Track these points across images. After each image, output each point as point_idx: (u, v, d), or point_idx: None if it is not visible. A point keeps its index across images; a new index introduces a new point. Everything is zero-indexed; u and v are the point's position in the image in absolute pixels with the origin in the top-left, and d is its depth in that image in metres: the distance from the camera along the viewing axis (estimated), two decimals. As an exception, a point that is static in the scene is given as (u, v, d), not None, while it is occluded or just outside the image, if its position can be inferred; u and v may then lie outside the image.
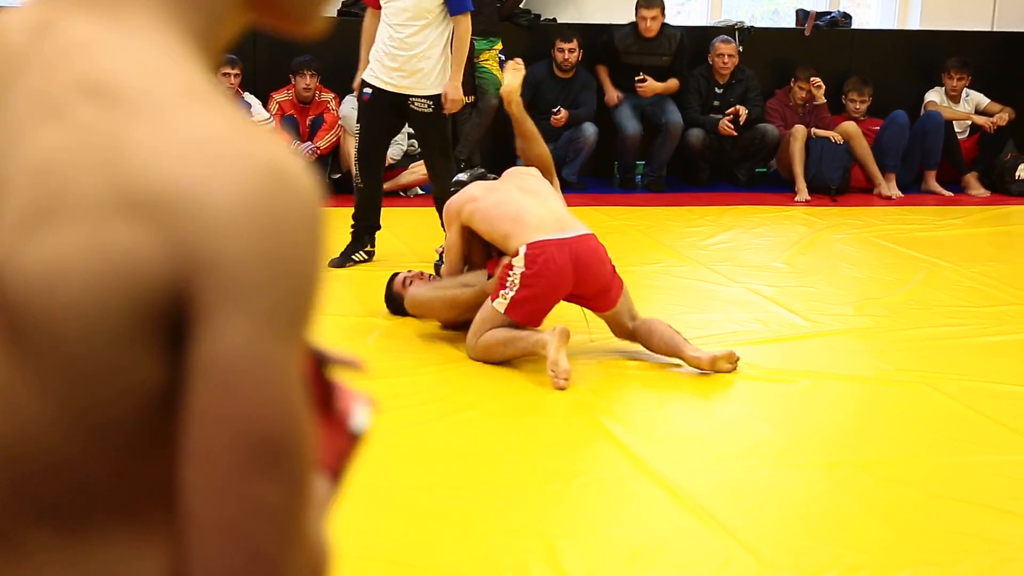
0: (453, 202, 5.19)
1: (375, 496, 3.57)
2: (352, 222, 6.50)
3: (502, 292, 4.80)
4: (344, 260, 6.42)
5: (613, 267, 4.98)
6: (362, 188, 6.45)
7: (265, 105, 8.51)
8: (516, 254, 4.79)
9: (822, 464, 3.95)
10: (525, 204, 4.98)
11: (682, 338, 4.89)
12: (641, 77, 9.12)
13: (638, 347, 5.04)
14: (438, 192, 6.32)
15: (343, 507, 3.45)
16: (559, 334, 4.61)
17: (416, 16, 6.20)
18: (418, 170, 8.27)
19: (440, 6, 6.22)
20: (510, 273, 4.78)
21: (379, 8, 6.28)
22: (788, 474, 3.87)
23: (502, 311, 4.78)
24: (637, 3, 9.20)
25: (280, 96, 8.53)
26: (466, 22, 6.27)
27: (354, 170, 6.51)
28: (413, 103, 6.26)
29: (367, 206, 6.48)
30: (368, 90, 6.33)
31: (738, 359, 4.81)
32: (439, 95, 6.23)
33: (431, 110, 6.25)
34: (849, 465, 3.93)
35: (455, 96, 6.22)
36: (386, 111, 6.34)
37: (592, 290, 4.91)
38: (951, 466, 3.97)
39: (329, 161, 8.47)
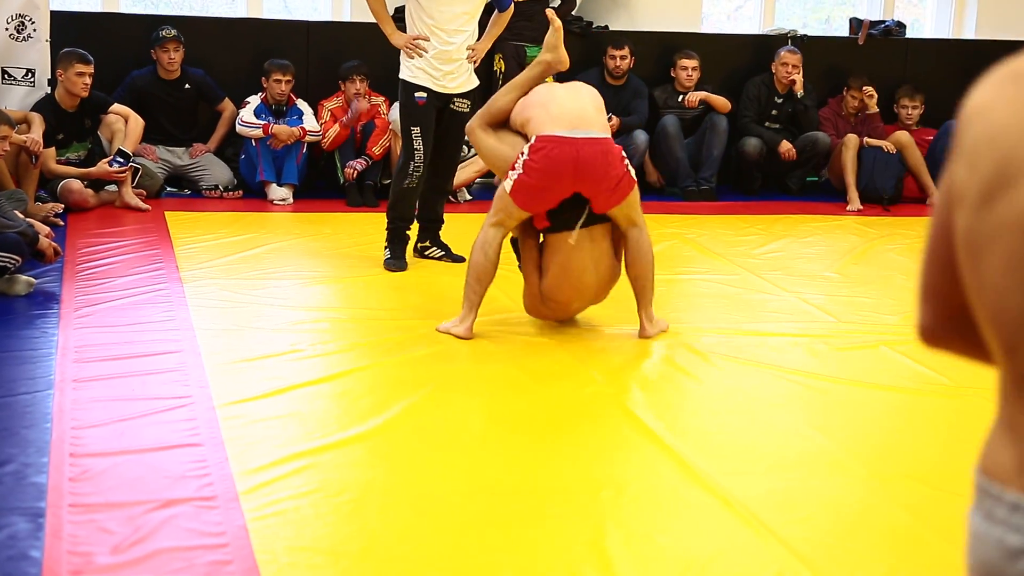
0: None
1: (428, 504, 3.58)
2: (393, 224, 6.54)
3: (511, 172, 5.11)
4: (400, 262, 6.50)
5: (626, 172, 5.14)
6: (415, 190, 6.48)
7: (317, 114, 8.54)
8: (529, 140, 5.12)
9: (875, 475, 3.92)
10: (556, 93, 5.32)
11: (646, 297, 5.26)
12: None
13: (687, 350, 5.04)
14: (451, 186, 6.85)
15: (395, 514, 3.48)
16: (458, 334, 5.13)
17: (469, 21, 6.39)
18: (469, 167, 8.40)
19: (479, 13, 6.48)
20: (520, 156, 5.09)
21: None
22: (841, 484, 3.85)
23: (508, 191, 5.10)
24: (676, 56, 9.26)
25: (330, 104, 8.56)
26: (508, 16, 6.69)
27: (417, 172, 6.42)
28: (455, 103, 6.43)
29: (412, 208, 6.61)
30: (423, 94, 6.39)
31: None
32: (476, 88, 6.51)
33: (468, 110, 6.36)
34: (903, 476, 3.90)
35: (480, 51, 6.52)
36: (435, 113, 6.48)
37: (593, 190, 5.09)
38: (1007, 479, 3.93)
39: (380, 166, 8.49)
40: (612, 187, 5.09)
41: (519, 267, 5.49)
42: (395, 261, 6.46)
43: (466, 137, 8.13)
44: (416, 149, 6.40)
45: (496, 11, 6.66)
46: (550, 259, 5.26)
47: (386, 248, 6.53)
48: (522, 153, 5.09)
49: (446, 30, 6.33)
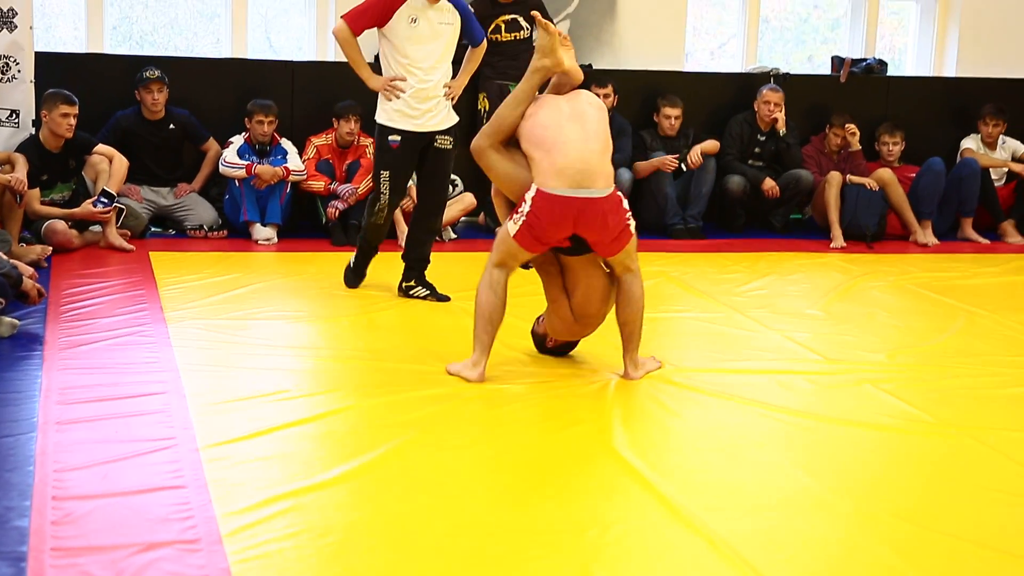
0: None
1: (412, 545, 3.57)
2: (361, 256, 6.88)
3: (515, 216, 5.09)
4: (357, 278, 6.88)
5: (626, 225, 5.13)
6: (382, 227, 6.72)
7: (303, 149, 8.56)
8: (530, 188, 5.06)
9: (860, 513, 3.92)
10: (565, 135, 5.09)
11: (634, 343, 5.24)
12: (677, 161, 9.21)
13: (672, 388, 5.06)
14: (439, 226, 6.84)
15: (380, 556, 3.47)
16: (471, 378, 5.12)
17: (444, 59, 6.50)
18: (454, 206, 8.52)
19: (453, 51, 6.58)
20: (523, 202, 5.06)
21: (358, 34, 6.46)
22: (826, 523, 3.84)
23: (512, 235, 5.08)
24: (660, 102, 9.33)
25: (319, 140, 8.59)
26: (483, 51, 6.76)
27: (382, 211, 6.65)
28: (437, 140, 6.54)
29: (379, 243, 6.85)
30: (397, 137, 6.49)
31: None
32: (455, 125, 6.59)
33: (451, 147, 6.55)
34: (888, 515, 3.89)
35: (458, 87, 6.62)
36: (414, 154, 6.58)
37: (593, 240, 5.11)
38: (991, 517, 3.93)
39: (367, 206, 8.48)
40: (612, 239, 5.11)
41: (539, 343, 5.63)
42: (352, 273, 6.85)
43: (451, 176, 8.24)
44: (383, 192, 6.58)
45: (470, 47, 6.72)
46: (575, 280, 5.29)
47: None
48: (524, 201, 5.06)
49: (422, 68, 6.43)
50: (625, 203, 5.17)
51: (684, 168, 9.18)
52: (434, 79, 6.46)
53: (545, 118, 5.15)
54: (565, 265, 5.32)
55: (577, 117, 5.16)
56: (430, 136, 6.53)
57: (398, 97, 6.42)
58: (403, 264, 6.79)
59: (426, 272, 6.75)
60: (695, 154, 9.15)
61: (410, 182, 8.18)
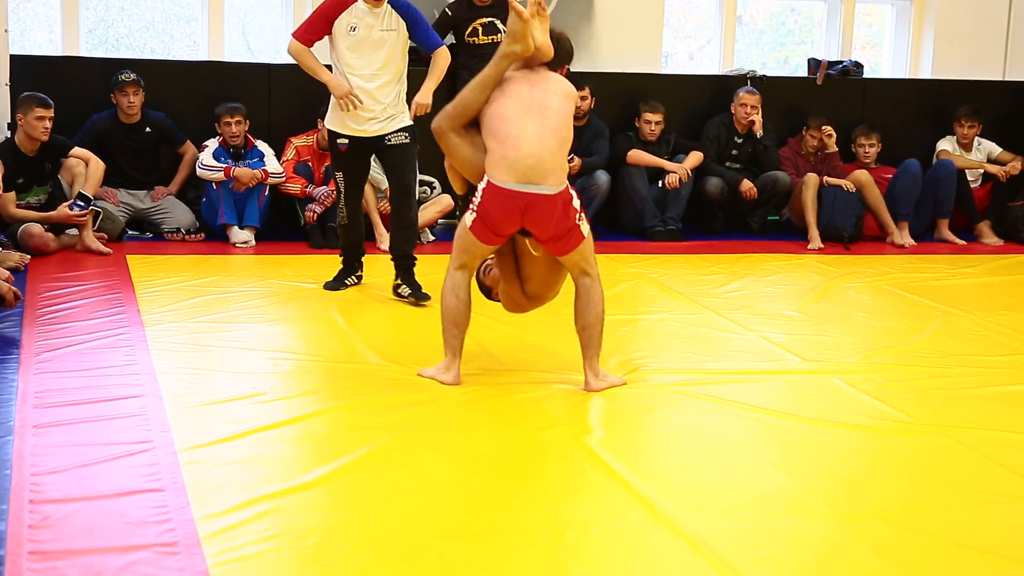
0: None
1: (391, 547, 3.57)
2: (342, 256, 7.01)
3: (471, 208, 5.10)
4: (338, 284, 6.95)
5: (575, 225, 5.05)
6: (349, 226, 6.89)
7: (283, 150, 8.55)
8: (482, 179, 5.05)
9: (839, 513, 3.93)
10: (521, 128, 4.99)
11: (594, 348, 5.15)
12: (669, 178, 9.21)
13: (650, 389, 5.06)
14: (414, 216, 6.82)
15: (359, 558, 3.46)
16: (445, 381, 5.14)
17: (386, 67, 6.57)
18: (431, 208, 8.56)
19: (404, 57, 6.63)
20: (475, 196, 5.08)
21: (310, 46, 6.59)
22: (805, 523, 3.85)
23: (468, 227, 5.08)
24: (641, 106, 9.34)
25: (300, 141, 8.58)
26: (446, 54, 6.69)
27: (343, 212, 6.88)
28: (389, 139, 6.65)
29: (356, 240, 6.97)
30: (344, 140, 6.64)
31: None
32: (412, 125, 6.67)
33: (408, 140, 6.67)
34: (866, 515, 3.91)
35: (424, 100, 6.57)
36: (363, 155, 6.76)
37: (542, 236, 5.07)
38: (969, 516, 3.94)
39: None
40: (559, 235, 5.05)
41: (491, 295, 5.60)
42: (331, 282, 6.95)
43: (422, 177, 8.29)
44: (342, 192, 6.80)
45: (433, 55, 6.75)
46: (531, 268, 5.28)
47: None
48: (477, 193, 5.06)
49: (363, 75, 6.56)
50: (576, 202, 5.08)
51: (660, 184, 9.20)
52: (374, 85, 6.55)
53: (505, 108, 5.05)
54: (521, 252, 5.28)
55: (538, 108, 5.05)
56: (378, 138, 6.65)
57: (355, 108, 6.51)
58: (390, 264, 6.89)
59: (414, 269, 6.77)
60: (677, 178, 9.13)
61: (387, 186, 8.25)
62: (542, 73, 5.19)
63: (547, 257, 5.21)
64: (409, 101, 6.71)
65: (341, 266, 7.03)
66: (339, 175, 6.78)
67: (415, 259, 6.74)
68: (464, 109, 5.12)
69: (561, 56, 5.24)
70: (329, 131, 6.73)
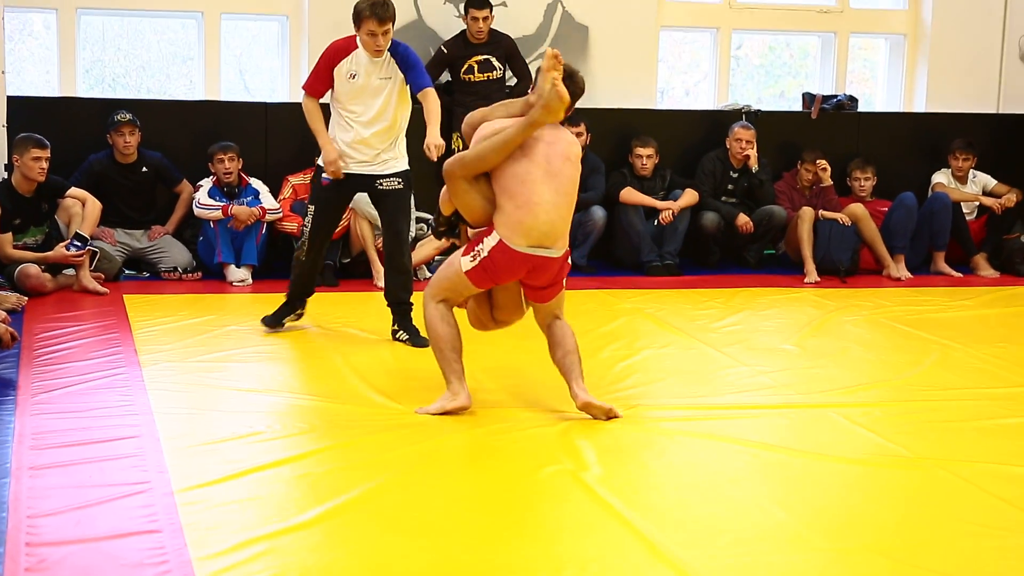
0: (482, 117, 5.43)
1: (388, 584, 3.56)
2: (289, 290, 6.84)
3: (471, 253, 5.19)
4: (276, 322, 6.80)
5: (563, 279, 5.31)
6: (305, 262, 6.76)
7: (280, 188, 8.57)
8: (491, 234, 5.16)
9: (836, 548, 3.92)
10: (538, 195, 5.12)
11: (578, 370, 5.25)
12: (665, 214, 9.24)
13: (646, 425, 5.06)
14: (408, 262, 6.77)
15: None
16: (457, 405, 5.21)
17: (382, 114, 6.56)
18: (428, 245, 8.51)
19: (404, 103, 6.60)
20: (481, 243, 5.17)
21: (321, 96, 6.61)
22: (802, 558, 3.84)
23: (464, 270, 5.20)
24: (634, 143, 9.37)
25: (296, 179, 8.61)
26: (434, 95, 6.55)
27: (303, 246, 6.75)
28: (381, 184, 6.62)
29: (309, 278, 6.82)
30: (328, 177, 6.58)
31: (615, 416, 5.21)
32: (407, 171, 6.66)
33: (401, 186, 6.64)
34: (864, 549, 3.90)
35: (439, 142, 6.38)
36: (343, 195, 6.72)
37: (533, 287, 5.27)
38: (967, 550, 3.94)
39: (340, 246, 8.50)
40: (549, 286, 5.28)
41: (435, 232, 5.62)
42: (271, 318, 6.82)
43: (418, 215, 8.32)
44: (306, 225, 6.74)
45: (422, 97, 6.59)
46: (504, 298, 5.43)
47: None
48: (482, 244, 5.15)
49: (360, 122, 6.57)
50: (569, 259, 5.32)
51: (656, 222, 9.22)
52: (370, 132, 6.56)
53: (522, 170, 5.15)
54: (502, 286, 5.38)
55: (555, 175, 5.18)
56: (368, 180, 6.61)
57: (335, 177, 6.55)
58: (385, 304, 6.83)
59: (411, 314, 6.72)
60: (670, 212, 9.16)
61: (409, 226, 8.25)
62: (558, 131, 5.29)
63: (515, 289, 5.41)
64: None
65: (283, 302, 6.85)
66: (311, 208, 6.70)
67: (411, 304, 6.70)
68: (481, 163, 5.19)
69: (575, 92, 5.29)
70: (317, 167, 6.68)
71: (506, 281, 5.27)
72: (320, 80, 6.58)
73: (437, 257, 8.82)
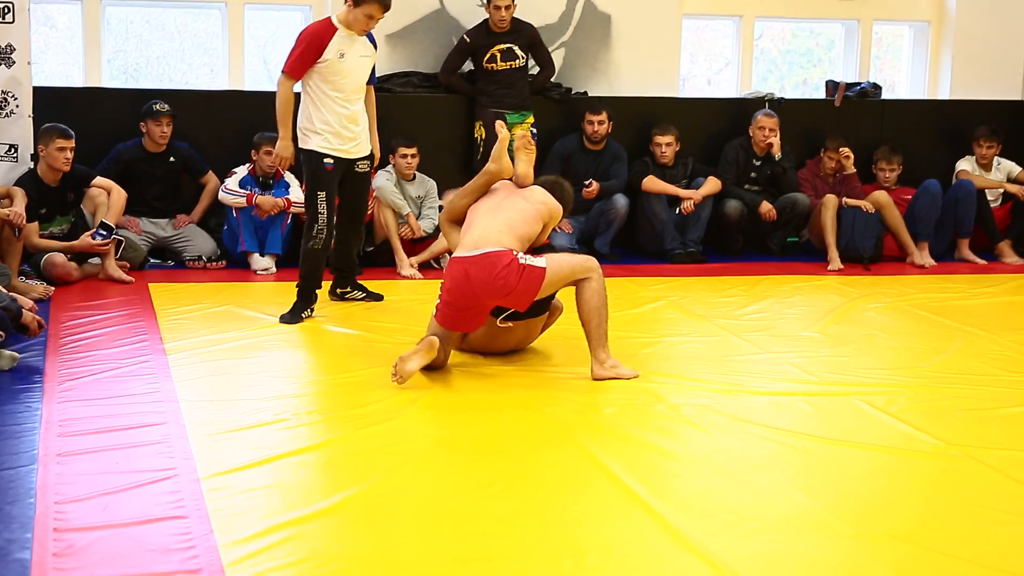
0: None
1: (413, 570, 3.57)
2: (303, 283, 6.91)
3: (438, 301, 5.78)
4: (295, 318, 6.80)
5: (520, 277, 5.57)
6: (321, 252, 6.90)
7: (301, 179, 8.59)
8: None
9: (860, 535, 3.92)
10: (479, 221, 5.83)
11: (596, 341, 5.66)
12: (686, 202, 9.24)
13: (670, 411, 5.07)
14: (360, 236, 7.24)
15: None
16: (424, 344, 5.57)
17: (360, 90, 6.85)
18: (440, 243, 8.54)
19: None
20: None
21: (300, 79, 6.79)
22: (826, 545, 3.85)
23: (434, 315, 5.78)
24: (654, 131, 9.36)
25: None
26: (372, 91, 7.03)
27: (320, 234, 6.85)
28: (357, 165, 6.92)
29: (320, 270, 6.96)
30: (330, 160, 6.78)
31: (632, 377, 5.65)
32: (372, 154, 6.99)
33: (368, 169, 7.00)
34: (889, 536, 3.90)
35: (376, 144, 7.04)
36: (339, 177, 6.91)
37: (496, 296, 5.64)
38: (994, 536, 3.93)
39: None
40: (509, 292, 5.60)
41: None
42: (289, 315, 6.80)
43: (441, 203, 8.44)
44: (320, 212, 6.82)
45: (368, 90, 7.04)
46: (507, 336, 5.99)
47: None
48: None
49: (349, 98, 6.80)
50: (522, 258, 5.61)
51: (677, 210, 9.21)
52: (356, 108, 6.81)
53: (476, 207, 5.95)
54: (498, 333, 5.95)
55: (500, 210, 5.86)
56: (351, 162, 6.89)
57: (284, 170, 7.14)
58: (337, 274, 7.28)
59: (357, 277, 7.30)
60: (691, 203, 9.15)
61: (408, 211, 8.32)
62: (528, 190, 6.02)
63: (496, 329, 5.92)
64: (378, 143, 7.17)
65: (298, 297, 6.87)
66: (321, 195, 6.78)
67: (359, 269, 7.37)
68: (453, 208, 6.12)
69: (563, 202, 6.06)
70: (310, 152, 6.77)
71: (465, 306, 5.63)
72: (305, 63, 6.70)
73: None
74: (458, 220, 6.05)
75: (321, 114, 6.73)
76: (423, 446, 4.69)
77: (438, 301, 5.73)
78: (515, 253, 5.62)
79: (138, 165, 8.52)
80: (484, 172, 6.05)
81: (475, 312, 5.70)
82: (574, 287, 5.71)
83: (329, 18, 6.80)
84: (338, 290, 7.29)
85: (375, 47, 6.97)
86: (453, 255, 5.79)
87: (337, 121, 6.75)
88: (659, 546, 3.79)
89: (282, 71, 6.80)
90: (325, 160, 6.75)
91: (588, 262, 5.76)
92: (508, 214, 5.83)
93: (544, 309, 6.01)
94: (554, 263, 5.68)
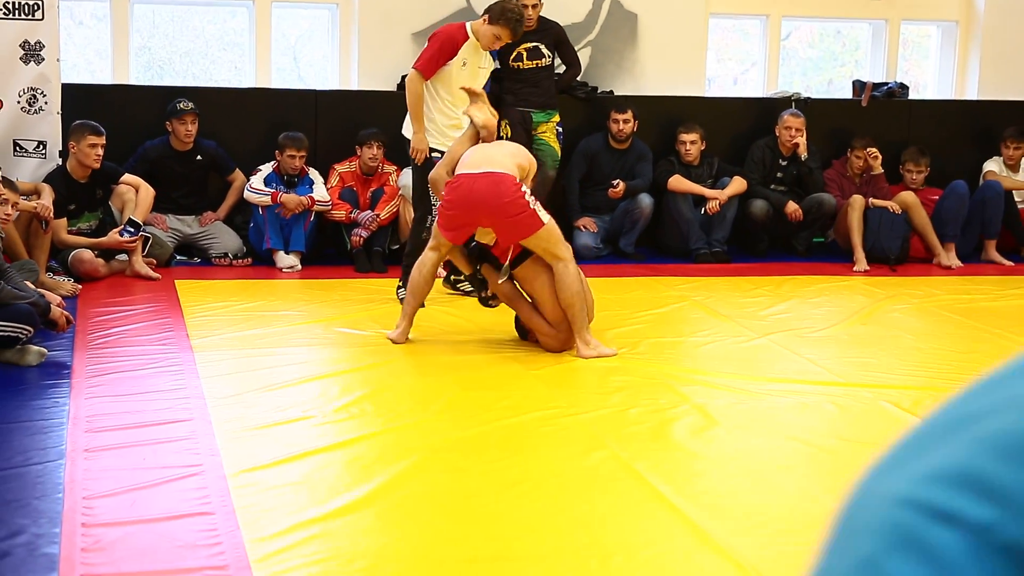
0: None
1: (439, 568, 3.58)
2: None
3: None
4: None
5: (524, 208, 5.85)
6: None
7: (327, 177, 8.62)
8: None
9: (887, 537, 3.90)
10: (480, 150, 6.13)
11: (580, 324, 5.93)
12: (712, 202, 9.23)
13: (695, 412, 5.06)
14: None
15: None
16: (395, 337, 6.14)
17: (467, 99, 6.86)
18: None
19: None
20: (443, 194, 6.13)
21: (430, 78, 7.02)
22: (853, 547, 3.83)
23: (436, 220, 6.15)
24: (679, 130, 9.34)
25: (343, 167, 8.64)
26: None
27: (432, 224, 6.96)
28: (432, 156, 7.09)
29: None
30: (436, 155, 6.93)
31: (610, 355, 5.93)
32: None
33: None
34: (915, 538, 3.88)
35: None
36: None
37: (491, 221, 5.92)
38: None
39: (388, 232, 8.54)
40: (509, 218, 5.84)
41: (479, 298, 6.36)
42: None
43: None
44: (434, 205, 6.85)
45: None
46: (533, 291, 6.07)
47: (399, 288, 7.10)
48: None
49: (456, 103, 6.99)
50: (524, 189, 5.91)
51: (703, 210, 9.19)
52: (459, 111, 6.92)
53: (471, 151, 6.21)
54: (521, 282, 6.09)
55: (491, 146, 6.22)
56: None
57: (419, 163, 7.07)
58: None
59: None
60: (717, 203, 9.13)
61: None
62: (508, 143, 6.58)
63: (540, 274, 5.97)
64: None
65: (403, 277, 6.99)
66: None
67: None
68: (453, 158, 6.27)
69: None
70: (432, 150, 7.02)
71: (463, 218, 5.90)
72: (437, 63, 6.96)
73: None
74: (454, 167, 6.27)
75: (429, 111, 7.01)
76: (449, 445, 4.70)
77: (439, 209, 6.11)
78: (518, 180, 5.93)
79: (165, 163, 8.56)
80: (470, 127, 6.39)
81: (467, 223, 5.99)
82: (552, 273, 5.95)
83: (464, 25, 7.07)
84: (451, 277, 7.52)
85: (494, 60, 7.29)
86: (457, 172, 6.07)
87: (443, 121, 7.02)
88: (685, 546, 3.79)
89: (413, 67, 7.04)
90: (434, 155, 6.96)
91: (568, 246, 6.11)
92: (508, 148, 6.29)
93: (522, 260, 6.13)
94: (552, 227, 5.95)
